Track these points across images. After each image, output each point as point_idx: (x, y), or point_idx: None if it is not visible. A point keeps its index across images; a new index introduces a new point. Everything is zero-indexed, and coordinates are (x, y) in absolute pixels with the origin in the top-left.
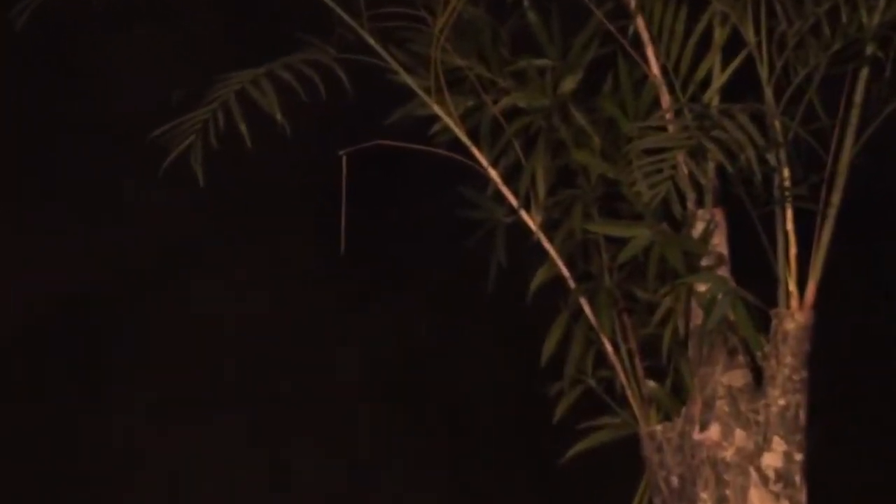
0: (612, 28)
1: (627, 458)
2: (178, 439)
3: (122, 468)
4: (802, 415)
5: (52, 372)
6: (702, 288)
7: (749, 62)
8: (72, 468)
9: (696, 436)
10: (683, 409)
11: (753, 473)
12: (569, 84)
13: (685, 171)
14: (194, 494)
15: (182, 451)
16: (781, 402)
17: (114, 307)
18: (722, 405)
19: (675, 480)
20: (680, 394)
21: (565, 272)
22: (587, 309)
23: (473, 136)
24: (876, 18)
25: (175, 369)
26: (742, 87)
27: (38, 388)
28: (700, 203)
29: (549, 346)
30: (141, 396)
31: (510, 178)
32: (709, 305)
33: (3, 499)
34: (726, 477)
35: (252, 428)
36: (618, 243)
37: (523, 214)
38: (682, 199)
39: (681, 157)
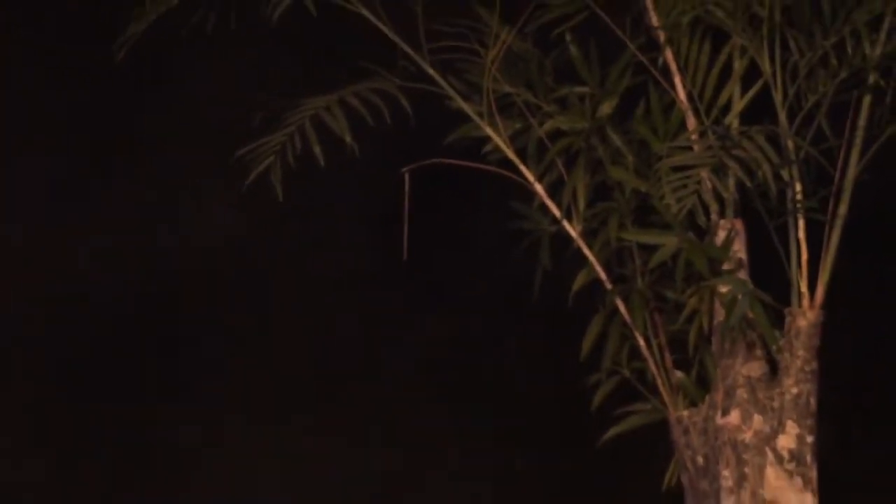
0: (644, 59)
1: (658, 440)
2: (251, 432)
3: (196, 461)
4: (813, 401)
5: (128, 369)
6: (724, 289)
7: (765, 89)
8: (147, 463)
9: (719, 420)
10: (707, 397)
11: (769, 453)
12: (606, 109)
13: (709, 185)
14: (266, 480)
15: (254, 443)
16: (794, 390)
17: (192, 307)
18: (741, 393)
19: (700, 460)
20: (704, 383)
21: (602, 275)
22: (622, 308)
23: (521, 155)
24: (878, 50)
25: (248, 366)
26: (759, 112)
27: (115, 385)
28: (722, 214)
29: (588, 342)
30: (215, 392)
31: (553, 192)
32: (730, 305)
33: (82, 492)
34: (745, 457)
35: (319, 419)
36: (649, 250)
37: (565, 224)
38: (706, 211)
39: (705, 174)
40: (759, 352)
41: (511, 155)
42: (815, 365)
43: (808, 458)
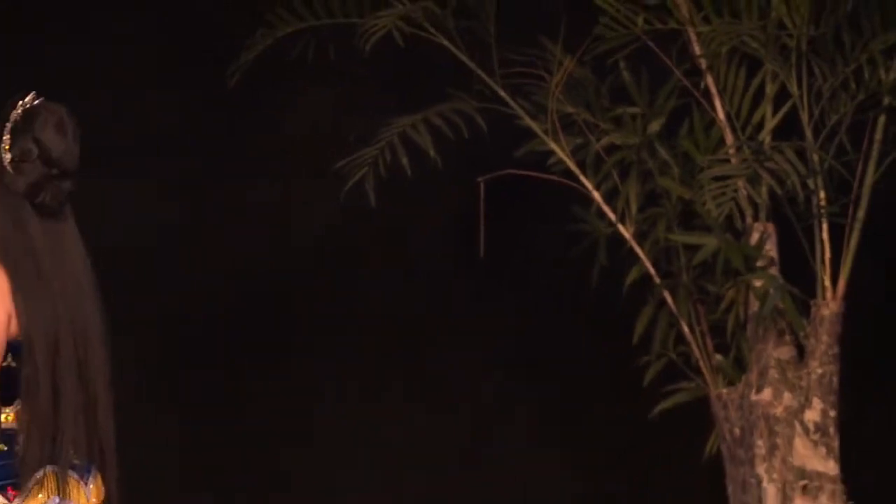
0: (687, 84)
1: (700, 414)
2: (344, 410)
3: (303, 436)
4: (835, 381)
5: (243, 352)
6: (757, 283)
7: (793, 110)
8: (257, 441)
9: (753, 397)
10: (743, 377)
11: (798, 426)
12: (654, 126)
13: (744, 193)
14: (359, 450)
15: (348, 420)
16: (819, 370)
17: (297, 296)
18: (773, 373)
19: (737, 431)
20: (741, 365)
21: (652, 271)
22: (669, 300)
23: (581, 166)
24: (892, 76)
25: (343, 350)
26: (788, 129)
27: (233, 365)
28: (756, 218)
29: (639, 328)
30: (316, 372)
31: (609, 199)
32: (763, 297)
33: (194, 474)
34: (776, 429)
35: (406, 397)
36: (692, 249)
37: (619, 227)
38: (742, 215)
39: (741, 183)
40: (788, 337)
41: (572, 167)
42: (837, 349)
43: (832, 429)
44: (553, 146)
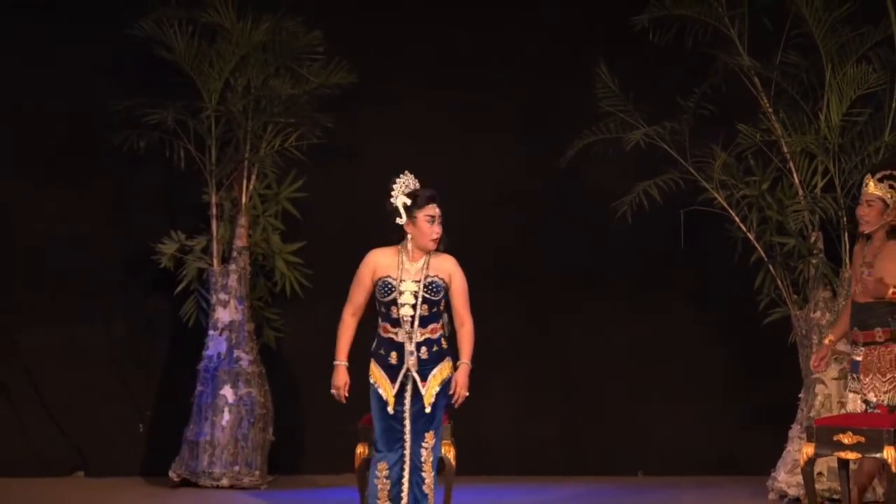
0: (781, 166)
1: (786, 324)
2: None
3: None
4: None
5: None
6: (813, 261)
7: (831, 178)
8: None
9: (811, 315)
10: (806, 305)
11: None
12: (764, 186)
13: (808, 218)
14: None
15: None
16: (843, 302)
17: (587, 262)
18: (821, 304)
19: (803, 331)
20: (806, 300)
21: (763, 255)
22: (772, 269)
23: (729, 205)
24: (875, 161)
25: (592, 296)
26: (829, 188)
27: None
28: (813, 229)
29: (757, 282)
30: (574, 306)
31: (742, 220)
32: (816, 267)
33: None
34: (822, 330)
35: (644, 341)
36: (783, 244)
37: (748, 234)
38: (807, 229)
39: (806, 213)
40: (828, 287)
41: (725, 205)
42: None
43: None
44: (716, 195)
